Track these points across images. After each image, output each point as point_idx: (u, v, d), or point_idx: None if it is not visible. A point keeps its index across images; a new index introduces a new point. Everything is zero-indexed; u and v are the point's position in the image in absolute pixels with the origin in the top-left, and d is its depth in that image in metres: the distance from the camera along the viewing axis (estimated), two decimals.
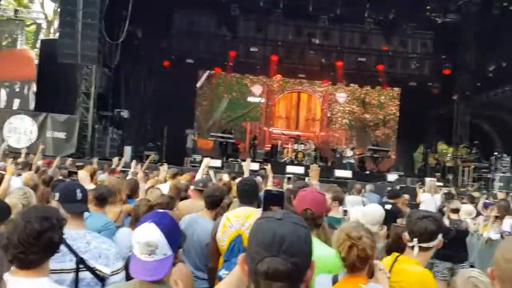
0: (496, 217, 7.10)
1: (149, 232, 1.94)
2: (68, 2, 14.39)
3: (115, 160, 9.75)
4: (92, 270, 2.41)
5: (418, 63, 22.34)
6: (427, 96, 21.92)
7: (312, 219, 2.62)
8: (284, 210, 1.32)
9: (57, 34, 16.17)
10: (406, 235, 2.67)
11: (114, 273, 2.46)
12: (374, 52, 22.37)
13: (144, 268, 1.95)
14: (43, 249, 1.95)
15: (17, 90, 21.16)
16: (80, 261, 2.39)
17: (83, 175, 4.15)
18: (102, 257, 2.46)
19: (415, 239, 2.57)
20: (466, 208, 8.04)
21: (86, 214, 2.91)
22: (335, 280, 2.33)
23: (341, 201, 4.60)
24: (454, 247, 6.01)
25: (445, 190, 9.65)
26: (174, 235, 2.01)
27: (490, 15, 16.72)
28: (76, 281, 2.37)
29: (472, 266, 6.55)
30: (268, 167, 6.85)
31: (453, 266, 6.09)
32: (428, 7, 18.06)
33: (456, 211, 6.12)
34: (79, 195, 2.72)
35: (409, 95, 22.72)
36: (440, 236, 2.66)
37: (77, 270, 2.38)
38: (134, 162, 8.81)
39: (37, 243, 1.91)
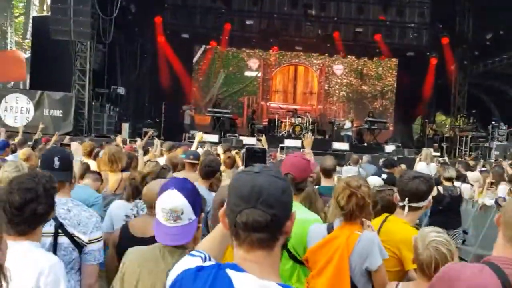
0: (491, 183, 7.18)
1: (174, 199, 1.97)
2: None
3: (118, 138, 9.69)
4: (70, 236, 2.42)
5: (415, 32, 22.11)
6: (425, 66, 21.80)
7: (294, 184, 2.64)
8: (263, 164, 1.34)
9: (49, 11, 15.94)
10: (396, 195, 2.71)
11: (92, 241, 2.48)
12: (371, 22, 22.09)
13: (170, 234, 2.00)
14: (27, 220, 1.95)
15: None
16: (59, 226, 2.41)
17: (75, 147, 4.18)
18: (81, 225, 2.47)
19: (406, 199, 2.62)
20: (473, 175, 8.12)
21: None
22: (330, 229, 2.39)
23: (328, 172, 4.59)
24: (448, 213, 6.08)
25: (440, 160, 9.71)
26: (196, 200, 2.05)
27: None
28: (55, 245, 2.40)
29: (465, 233, 6.63)
30: (263, 138, 6.88)
31: (446, 232, 6.14)
32: None
33: (450, 179, 6.17)
34: (56, 163, 2.63)
35: (406, 65, 22.61)
36: (430, 197, 2.70)
37: (55, 235, 2.40)
38: (139, 140, 8.81)
39: (20, 214, 1.92)
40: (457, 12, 20.10)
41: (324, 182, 4.71)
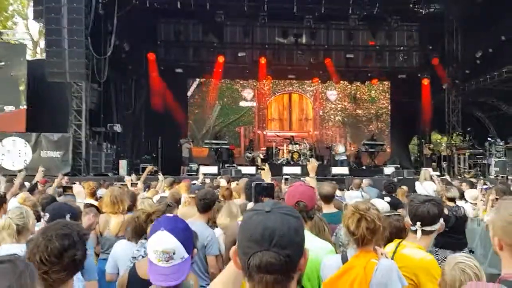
0: (496, 199, 7.13)
1: (164, 240, 1.96)
2: (53, 21, 14.36)
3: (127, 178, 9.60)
4: None
5: (405, 55, 22.50)
6: (417, 87, 22.05)
7: (305, 211, 2.64)
8: (274, 201, 1.31)
9: (44, 54, 16.12)
10: (407, 220, 2.68)
11: None
12: (361, 47, 22.53)
13: (163, 274, 1.98)
14: (66, 268, 1.91)
15: None
16: None
17: (78, 190, 4.13)
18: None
19: (418, 223, 2.58)
20: (471, 193, 8.07)
21: None
22: (344, 259, 2.34)
23: (327, 199, 4.57)
24: (454, 234, 6.01)
25: (439, 178, 9.66)
26: (188, 238, 2.04)
27: (473, 2, 16.85)
28: None
29: (471, 252, 6.53)
30: (267, 167, 6.84)
31: (453, 254, 6.04)
32: None
33: (453, 199, 6.13)
34: (68, 219, 2.67)
35: (399, 87, 22.86)
36: (441, 220, 2.67)
37: None
38: (133, 176, 8.77)
39: (59, 262, 1.88)
40: (445, 32, 20.50)
41: (326, 209, 4.66)
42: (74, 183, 7.39)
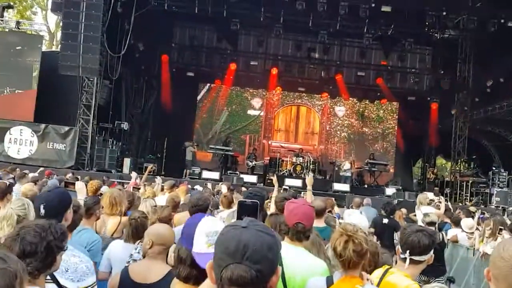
0: (493, 231, 7.13)
1: (214, 223, 1.92)
2: (71, 15, 14.56)
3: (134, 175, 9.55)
4: (58, 283, 2.33)
5: (416, 78, 22.54)
6: (426, 110, 22.06)
7: (303, 232, 2.69)
8: (251, 218, 1.37)
9: (59, 47, 16.33)
10: (398, 248, 2.72)
11: None
12: (373, 66, 22.62)
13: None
14: (33, 267, 1.92)
15: None
16: None
17: (80, 186, 4.20)
18: (69, 272, 2.39)
19: (408, 251, 2.62)
20: (467, 222, 8.09)
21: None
22: (329, 282, 2.38)
23: (319, 213, 4.60)
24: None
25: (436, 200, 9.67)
26: None
27: (487, 31, 16.91)
28: None
29: (450, 281, 6.48)
30: (274, 178, 6.94)
31: (429, 280, 5.98)
32: (427, 23, 18.25)
33: (431, 224, 6.14)
34: (42, 211, 2.61)
35: (407, 109, 22.86)
36: (432, 252, 2.70)
37: None
38: (134, 174, 8.82)
39: (26, 261, 1.88)
40: (457, 59, 20.52)
41: (315, 223, 4.69)
42: (77, 179, 7.52)
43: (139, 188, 6.48)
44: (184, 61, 21.70)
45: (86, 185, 5.49)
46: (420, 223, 7.74)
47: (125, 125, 17.52)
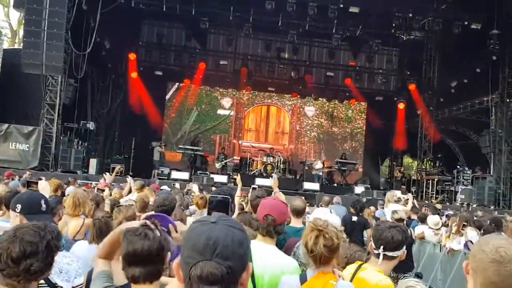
0: (459, 227, 7.29)
1: None
2: (34, 12, 14.08)
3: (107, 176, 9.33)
4: (54, 286, 2.30)
5: (384, 78, 22.96)
6: (393, 110, 22.50)
7: (273, 226, 2.62)
8: (221, 213, 1.30)
9: (22, 44, 15.79)
10: (372, 243, 2.71)
11: None
12: (342, 67, 22.92)
13: None
14: (20, 274, 1.83)
15: None
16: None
17: (43, 185, 4.02)
18: (63, 273, 2.38)
19: (381, 247, 2.61)
20: (433, 219, 8.25)
21: None
22: (303, 280, 2.34)
23: (298, 213, 4.57)
24: None
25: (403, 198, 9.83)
26: None
27: (451, 33, 17.37)
28: None
29: (418, 276, 6.59)
30: (238, 177, 6.86)
31: (398, 276, 6.05)
32: (394, 24, 18.60)
33: (401, 220, 6.23)
34: (43, 205, 2.62)
35: (375, 109, 23.25)
36: (404, 248, 2.70)
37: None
38: (107, 175, 8.61)
39: (15, 267, 1.81)
40: (423, 60, 21.01)
41: (293, 222, 4.66)
42: (41, 179, 7.24)
43: (103, 190, 6.28)
44: (152, 60, 21.38)
45: None
46: (389, 219, 7.86)
47: (91, 125, 17.10)
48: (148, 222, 1.84)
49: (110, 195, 6.50)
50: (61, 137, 15.44)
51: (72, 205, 4.38)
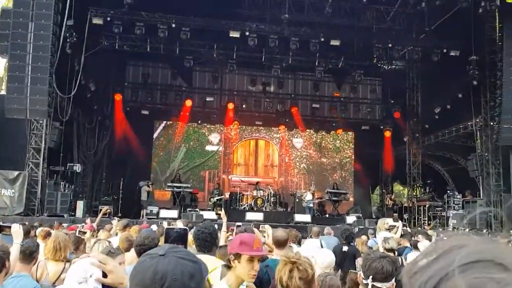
0: None
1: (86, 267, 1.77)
2: (17, 57, 14.13)
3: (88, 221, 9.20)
4: None
5: (369, 107, 23.25)
6: (380, 138, 22.68)
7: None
8: (171, 245, 1.24)
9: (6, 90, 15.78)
10: (361, 273, 2.64)
11: None
12: (327, 98, 23.23)
13: None
14: None
15: None
16: None
17: (16, 229, 3.90)
18: None
19: (370, 277, 2.54)
20: (424, 244, 8.15)
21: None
22: None
23: (281, 244, 4.47)
24: None
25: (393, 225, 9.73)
26: None
27: (431, 61, 17.76)
28: None
29: None
30: (222, 212, 6.76)
31: None
32: (375, 55, 19.00)
33: (391, 251, 6.15)
34: None
35: (363, 138, 23.42)
36: (394, 280, 2.63)
37: None
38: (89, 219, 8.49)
39: None
40: (406, 88, 21.40)
41: (276, 254, 4.54)
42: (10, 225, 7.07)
43: (85, 232, 6.15)
44: (139, 100, 21.49)
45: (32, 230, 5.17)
46: (380, 249, 7.77)
47: (77, 167, 16.93)
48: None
49: (94, 236, 6.36)
50: (47, 181, 15.23)
51: (52, 249, 4.26)
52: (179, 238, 1.94)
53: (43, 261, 4.16)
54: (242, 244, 2.46)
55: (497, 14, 16.45)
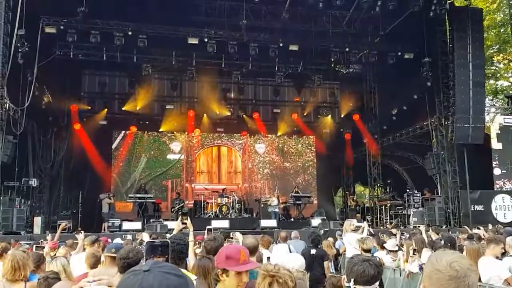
0: (414, 250, 7.37)
1: None
2: None
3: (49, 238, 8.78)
4: None
5: (328, 111, 23.62)
6: (340, 141, 23.08)
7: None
8: (155, 260, 1.18)
9: None
10: (344, 277, 2.61)
11: None
12: (288, 103, 23.43)
13: None
14: None
15: None
16: None
17: None
18: None
19: (352, 280, 2.51)
20: (391, 243, 8.31)
21: None
22: None
23: (251, 252, 4.42)
24: None
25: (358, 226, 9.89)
26: None
27: (387, 63, 18.25)
28: None
29: None
30: (188, 221, 6.60)
31: None
32: (332, 60, 19.33)
33: (368, 251, 6.24)
34: None
35: (323, 141, 23.76)
36: (377, 284, 2.61)
37: None
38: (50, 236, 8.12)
39: None
40: (363, 91, 21.91)
41: None
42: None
43: (43, 247, 5.87)
44: (95, 109, 20.90)
45: None
46: (351, 249, 7.86)
47: (33, 182, 16.25)
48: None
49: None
50: (1, 197, 14.52)
51: (11, 269, 4.02)
52: (164, 251, 1.86)
53: (1, 282, 3.92)
54: (228, 259, 2.41)
55: (447, 17, 17.14)
